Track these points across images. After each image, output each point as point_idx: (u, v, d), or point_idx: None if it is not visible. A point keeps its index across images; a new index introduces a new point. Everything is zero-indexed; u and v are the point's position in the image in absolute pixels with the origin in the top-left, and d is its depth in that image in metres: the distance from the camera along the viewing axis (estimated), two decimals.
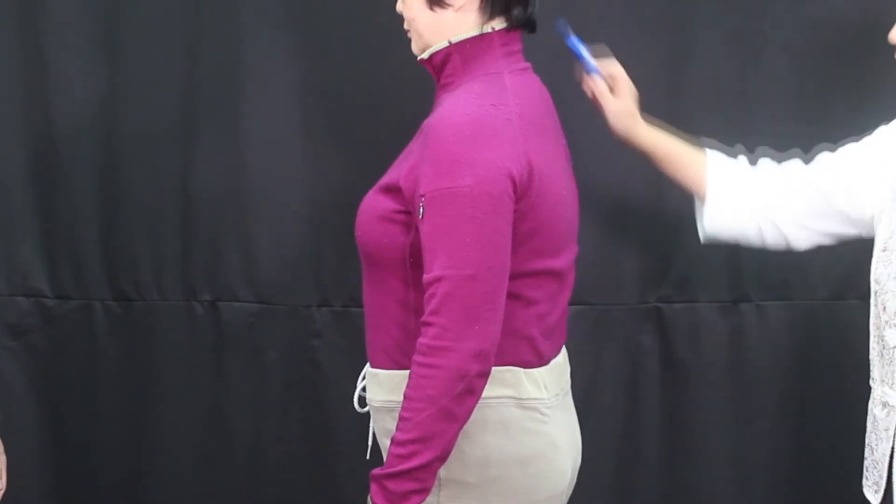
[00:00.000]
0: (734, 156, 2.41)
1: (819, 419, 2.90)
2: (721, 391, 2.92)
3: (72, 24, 2.91)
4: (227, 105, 2.90)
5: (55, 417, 3.07)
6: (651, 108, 2.47)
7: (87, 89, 2.93)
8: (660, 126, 2.42)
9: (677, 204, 2.69)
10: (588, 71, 2.35)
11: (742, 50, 2.81)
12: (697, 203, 2.40)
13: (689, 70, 2.82)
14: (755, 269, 2.89)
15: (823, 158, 2.29)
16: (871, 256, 2.13)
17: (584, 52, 2.32)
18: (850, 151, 2.23)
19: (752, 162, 2.40)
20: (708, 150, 2.40)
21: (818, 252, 2.79)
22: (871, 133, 2.24)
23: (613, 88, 2.36)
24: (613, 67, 2.36)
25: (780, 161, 2.38)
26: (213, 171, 2.93)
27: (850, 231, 2.26)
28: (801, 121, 2.72)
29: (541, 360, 2.14)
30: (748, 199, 2.33)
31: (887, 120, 2.23)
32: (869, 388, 2.16)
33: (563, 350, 2.27)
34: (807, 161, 2.34)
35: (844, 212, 2.22)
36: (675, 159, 2.40)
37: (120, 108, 2.93)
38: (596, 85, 2.35)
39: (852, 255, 2.25)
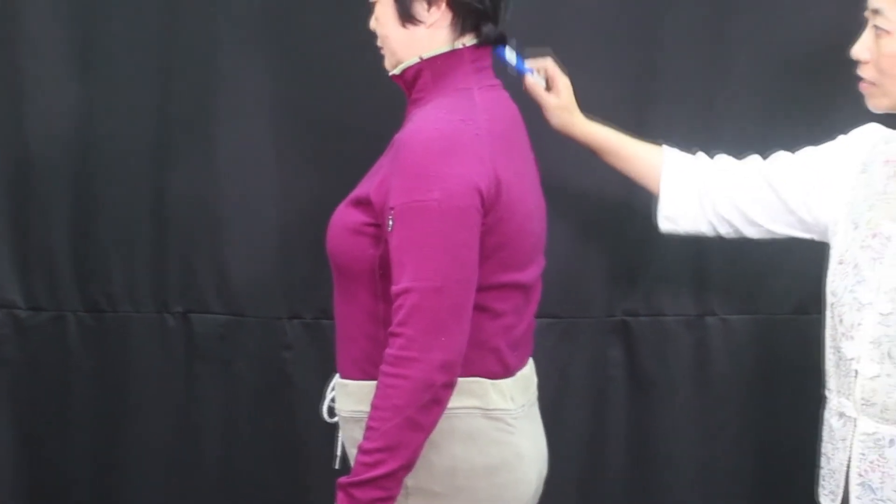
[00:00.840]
0: (692, 154, 2.46)
1: (782, 430, 2.92)
2: (686, 403, 2.94)
3: (47, 37, 2.91)
4: (200, 118, 2.91)
5: (27, 428, 3.07)
6: (620, 124, 2.51)
7: (62, 103, 2.93)
8: (605, 124, 2.48)
9: (644, 218, 2.72)
10: (521, 73, 2.39)
11: (709, 68, 2.84)
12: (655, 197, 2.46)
13: (658, 88, 2.85)
14: (720, 284, 2.92)
15: (782, 159, 2.32)
16: None
17: (511, 56, 2.32)
18: (809, 159, 2.27)
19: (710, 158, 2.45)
20: (664, 146, 2.46)
21: (782, 268, 2.85)
22: (832, 139, 2.28)
23: (549, 85, 2.43)
24: (548, 65, 2.43)
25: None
26: (185, 184, 2.93)
27: (803, 235, 2.30)
28: (767, 138, 2.75)
29: (507, 371, 2.17)
30: (701, 194, 2.37)
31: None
32: (824, 398, 2.20)
33: (530, 362, 2.30)
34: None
35: (802, 219, 2.26)
36: (622, 153, 2.47)
37: (94, 121, 2.94)
38: (531, 84, 2.41)
39: (815, 270, 2.28)
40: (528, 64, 2.41)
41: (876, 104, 2.05)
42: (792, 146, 2.35)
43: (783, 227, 2.31)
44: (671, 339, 2.94)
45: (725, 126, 2.77)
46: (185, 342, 3.01)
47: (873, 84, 2.03)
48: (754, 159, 2.38)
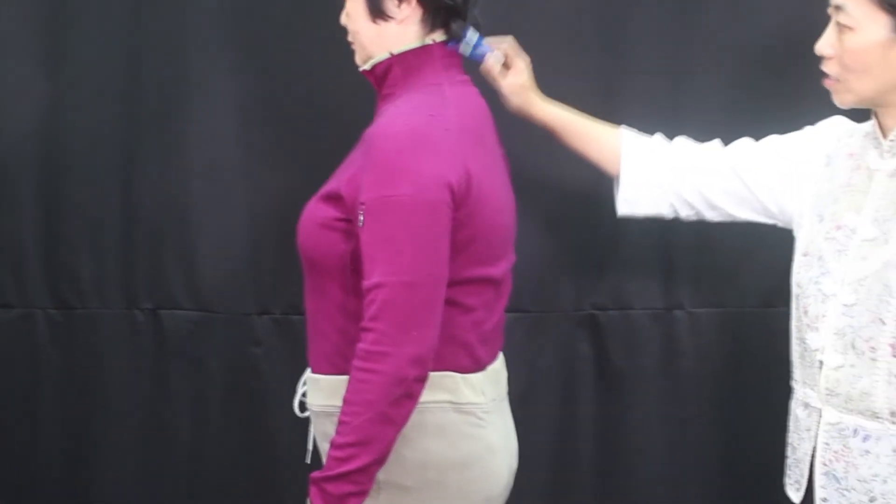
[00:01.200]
0: (651, 136, 2.46)
1: (749, 422, 2.94)
2: (654, 396, 2.96)
3: (13, 35, 2.91)
4: (169, 115, 2.91)
5: None
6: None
7: (30, 100, 2.92)
8: (565, 106, 2.48)
9: (613, 213, 2.72)
10: (482, 57, 2.36)
11: (674, 61, 2.86)
12: (615, 181, 2.46)
13: (623, 84, 2.86)
14: (688, 278, 2.94)
15: (746, 146, 2.34)
16: None
17: (473, 37, 2.29)
18: (775, 148, 2.29)
19: (669, 141, 2.46)
20: (622, 128, 2.46)
21: (749, 262, 2.87)
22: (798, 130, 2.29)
23: (508, 65, 2.41)
24: (506, 46, 2.41)
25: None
26: (154, 180, 2.93)
27: (766, 221, 2.32)
28: (732, 134, 2.78)
29: (478, 365, 2.18)
30: (663, 177, 2.38)
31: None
32: (791, 388, 2.22)
33: (501, 356, 2.31)
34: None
35: (767, 207, 2.28)
36: (581, 134, 2.47)
37: (62, 117, 2.93)
38: (490, 64, 2.39)
39: (782, 264, 2.30)
40: (488, 44, 2.38)
41: (841, 100, 2.07)
42: (757, 138, 2.37)
43: (747, 213, 2.33)
44: (639, 332, 2.96)
45: (690, 119, 2.78)
46: (154, 338, 3.00)
47: (837, 80, 2.05)
48: (716, 144, 2.39)
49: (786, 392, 2.24)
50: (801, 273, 2.14)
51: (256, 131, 2.91)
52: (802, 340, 2.13)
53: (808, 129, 2.27)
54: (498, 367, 2.28)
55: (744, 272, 2.92)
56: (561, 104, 2.49)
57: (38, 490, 3.07)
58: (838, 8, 2.01)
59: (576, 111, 2.49)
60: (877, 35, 1.97)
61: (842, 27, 2.00)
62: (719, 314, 2.96)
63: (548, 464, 2.97)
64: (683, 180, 2.37)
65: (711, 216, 2.40)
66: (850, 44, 2.00)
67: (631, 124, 2.53)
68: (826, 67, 2.06)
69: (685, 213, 2.42)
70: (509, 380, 2.36)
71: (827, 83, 2.07)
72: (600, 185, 2.64)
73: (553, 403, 2.97)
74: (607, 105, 2.76)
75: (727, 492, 3.00)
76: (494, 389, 2.24)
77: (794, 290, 2.16)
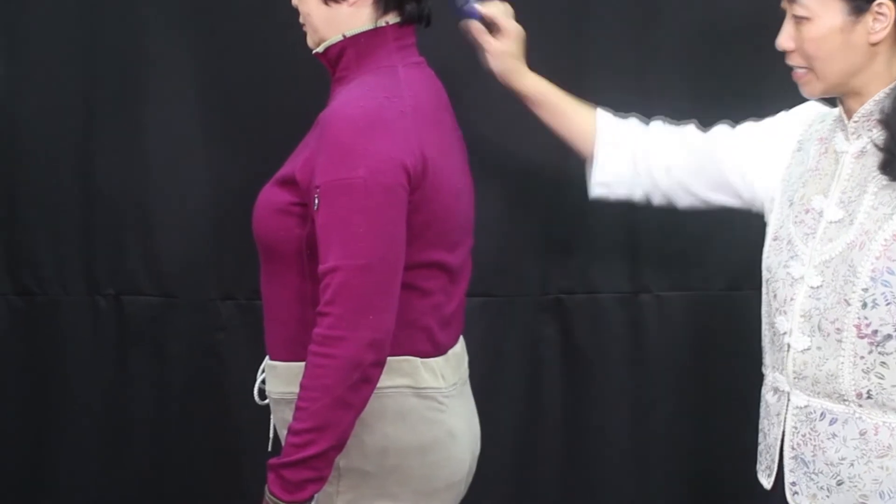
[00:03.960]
0: (626, 118, 2.45)
1: (716, 406, 2.94)
2: (621, 380, 2.95)
3: None
4: (128, 100, 2.90)
5: None
6: None
7: None
8: (547, 81, 2.45)
9: (579, 197, 2.70)
10: (470, 16, 2.35)
11: (640, 42, 2.85)
12: (588, 161, 2.44)
13: (590, 66, 2.85)
14: (654, 261, 2.94)
15: (722, 130, 2.33)
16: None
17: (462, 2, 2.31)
18: (750, 134, 2.28)
19: (645, 124, 2.44)
20: (598, 109, 2.44)
21: (715, 245, 2.87)
22: (772, 116, 2.28)
23: (498, 30, 2.39)
24: (496, 10, 2.39)
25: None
26: (115, 165, 2.92)
27: (738, 205, 2.31)
28: (698, 114, 2.77)
29: (438, 349, 2.17)
30: (638, 161, 2.37)
31: (781, 108, 2.28)
32: (763, 375, 2.21)
33: (461, 340, 2.30)
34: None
35: (739, 193, 2.27)
36: (561, 112, 2.45)
37: (21, 102, 2.92)
38: (475, 28, 2.37)
39: (748, 246, 2.30)
40: (478, 7, 2.37)
41: (811, 91, 2.07)
42: (722, 120, 2.35)
43: (720, 197, 2.33)
44: (606, 316, 2.95)
45: (656, 101, 2.76)
46: (116, 324, 3.00)
47: (807, 70, 2.04)
48: (691, 128, 2.38)
49: (753, 375, 2.24)
50: (771, 257, 2.14)
51: (214, 116, 2.90)
52: (772, 325, 2.12)
53: (782, 114, 2.27)
54: (458, 351, 2.27)
55: (710, 255, 2.92)
56: (544, 78, 2.45)
57: None
58: (792, 1, 2.01)
59: (557, 87, 2.46)
60: (834, 21, 1.98)
61: (799, 19, 2.00)
62: (686, 297, 2.95)
63: (512, 449, 2.97)
64: (658, 163, 2.36)
65: (685, 201, 2.38)
66: (809, 34, 2.00)
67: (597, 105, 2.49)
68: (790, 60, 2.06)
69: (657, 200, 2.41)
70: (475, 364, 2.35)
71: (796, 76, 2.07)
72: (566, 167, 2.63)
73: (518, 388, 2.97)
74: (571, 88, 2.73)
75: (698, 478, 3.00)
76: (455, 374, 2.23)
77: (765, 274, 2.16)
